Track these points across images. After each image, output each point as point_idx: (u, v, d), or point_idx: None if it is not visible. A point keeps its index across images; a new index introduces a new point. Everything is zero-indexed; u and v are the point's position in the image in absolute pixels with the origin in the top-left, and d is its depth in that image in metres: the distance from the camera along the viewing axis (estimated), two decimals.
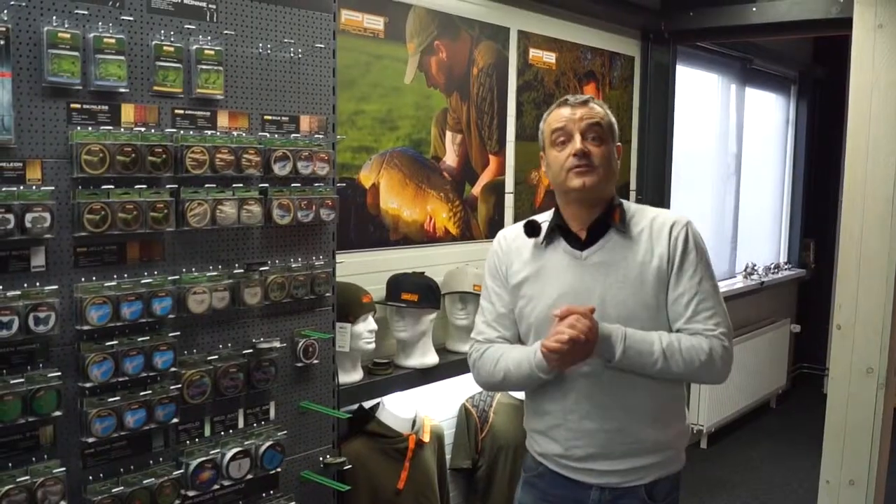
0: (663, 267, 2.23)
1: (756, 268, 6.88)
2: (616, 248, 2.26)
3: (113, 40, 2.20)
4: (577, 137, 2.25)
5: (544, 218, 2.36)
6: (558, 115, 2.31)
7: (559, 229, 2.32)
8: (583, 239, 2.29)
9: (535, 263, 2.33)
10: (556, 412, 2.31)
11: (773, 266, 7.23)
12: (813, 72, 7.52)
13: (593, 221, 2.28)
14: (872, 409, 3.85)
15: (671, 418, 2.33)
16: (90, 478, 2.27)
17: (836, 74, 6.96)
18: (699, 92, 6.16)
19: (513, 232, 2.41)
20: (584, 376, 2.24)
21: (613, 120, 2.32)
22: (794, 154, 7.70)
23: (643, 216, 2.31)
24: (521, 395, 3.83)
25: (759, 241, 7.35)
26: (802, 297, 7.88)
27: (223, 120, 2.49)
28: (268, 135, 2.59)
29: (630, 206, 2.35)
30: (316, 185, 2.71)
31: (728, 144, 6.68)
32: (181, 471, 2.42)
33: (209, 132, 2.44)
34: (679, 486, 2.41)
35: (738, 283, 6.65)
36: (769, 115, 7.38)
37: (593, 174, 2.24)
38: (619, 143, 2.33)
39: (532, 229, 2.33)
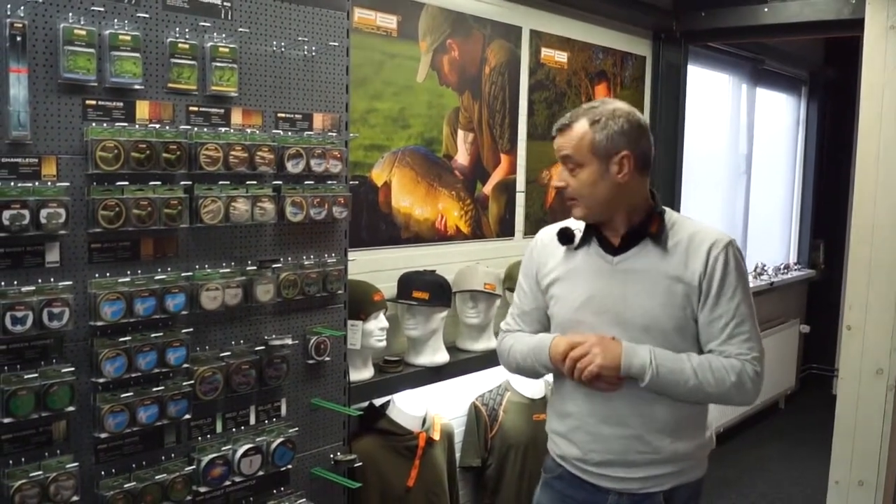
0: (694, 284, 2.20)
1: (766, 268, 6.87)
2: (649, 256, 2.24)
3: (128, 37, 2.21)
4: (558, 172, 2.28)
5: (578, 224, 2.35)
6: None
7: (593, 233, 2.31)
8: (616, 244, 2.28)
9: (567, 265, 2.34)
10: (577, 415, 2.33)
11: (782, 266, 7.21)
12: (824, 72, 7.50)
13: (629, 229, 2.26)
14: (882, 410, 3.85)
15: (692, 431, 2.31)
16: (102, 473, 2.28)
17: (847, 75, 6.93)
18: (710, 92, 6.15)
19: (551, 231, 2.41)
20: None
21: (607, 131, 2.17)
22: (804, 155, 7.68)
23: (683, 229, 2.26)
24: (530, 394, 3.85)
25: (769, 242, 7.34)
26: (812, 297, 7.86)
27: (237, 117, 2.49)
28: (281, 132, 2.60)
29: (673, 216, 2.30)
30: (329, 182, 2.72)
31: (739, 145, 6.67)
32: (193, 467, 2.44)
33: (223, 129, 2.45)
34: (700, 491, 2.40)
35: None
36: (780, 116, 7.36)
37: (578, 207, 2.26)
38: (624, 152, 2.18)
39: (565, 237, 2.34)
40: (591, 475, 2.33)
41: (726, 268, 2.20)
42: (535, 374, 2.44)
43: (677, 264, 2.21)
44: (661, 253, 2.23)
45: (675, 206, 5.36)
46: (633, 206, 2.26)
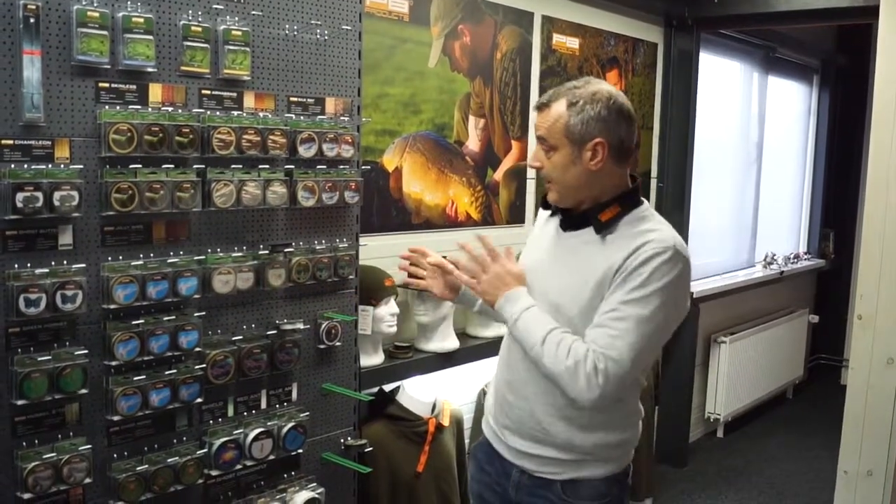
0: (609, 276, 2.09)
1: (775, 257, 6.84)
2: (586, 242, 2.19)
3: (141, 20, 2.20)
4: (534, 150, 2.25)
5: None
6: None
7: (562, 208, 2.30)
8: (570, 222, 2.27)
9: (538, 230, 2.41)
10: (497, 377, 2.39)
11: (792, 256, 7.19)
12: (836, 61, 7.46)
13: (581, 211, 2.22)
14: (892, 400, 3.84)
15: (595, 424, 2.19)
16: (115, 456, 2.28)
17: (859, 63, 6.89)
18: (721, 80, 6.12)
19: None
20: (519, 350, 2.22)
21: (584, 115, 2.10)
22: (814, 143, 7.64)
23: (635, 227, 2.15)
24: None
25: (779, 231, 7.31)
26: (821, 287, 7.83)
27: (250, 101, 2.48)
28: (293, 116, 2.59)
29: (644, 212, 2.20)
30: (341, 167, 2.71)
31: (749, 133, 6.63)
32: (204, 450, 2.44)
33: (236, 113, 2.44)
34: (611, 491, 2.26)
35: (758, 272, 6.61)
36: (791, 104, 7.32)
37: (553, 191, 2.22)
38: (598, 139, 2.11)
39: (546, 202, 2.33)
40: (497, 441, 2.37)
41: (643, 266, 2.05)
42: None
43: (606, 256, 2.12)
44: (598, 242, 2.16)
45: (686, 194, 5.35)
46: (605, 193, 2.18)
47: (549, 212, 2.37)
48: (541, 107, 2.19)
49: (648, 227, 2.15)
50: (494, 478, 2.38)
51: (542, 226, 2.41)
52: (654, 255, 2.05)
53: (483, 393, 3.90)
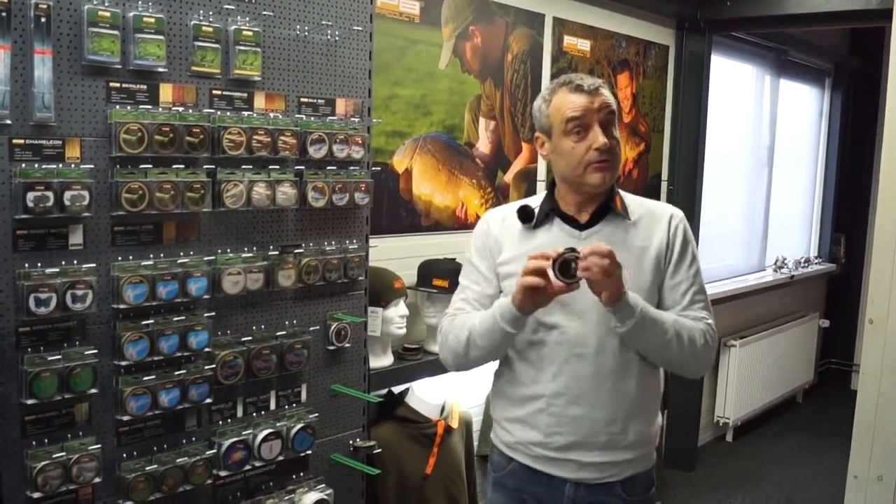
0: (661, 253, 2.25)
1: (786, 261, 6.82)
2: (617, 230, 2.25)
3: (152, 20, 2.20)
4: (599, 131, 2.17)
5: (535, 202, 2.33)
6: (573, 103, 2.18)
7: (554, 213, 2.29)
8: (582, 221, 2.26)
9: (526, 245, 2.26)
10: (543, 397, 2.24)
11: (803, 260, 7.15)
12: (848, 64, 7.42)
13: (598, 205, 2.27)
14: None
15: (654, 411, 2.34)
16: (124, 455, 2.28)
17: (872, 67, 6.87)
18: (733, 82, 6.10)
19: (501, 213, 2.37)
20: (576, 359, 2.19)
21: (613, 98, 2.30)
22: (826, 147, 7.61)
23: (639, 204, 2.33)
24: None
25: (790, 235, 7.28)
26: (832, 291, 7.80)
27: (260, 101, 2.48)
28: (304, 117, 2.58)
29: (625, 194, 2.35)
30: (351, 168, 2.71)
31: (761, 136, 6.61)
32: (213, 451, 2.44)
33: (246, 113, 2.44)
34: (654, 481, 2.41)
35: (768, 276, 6.59)
36: (803, 108, 7.29)
37: (613, 169, 2.22)
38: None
39: (525, 215, 2.29)
40: (548, 462, 2.26)
41: (685, 237, 2.29)
42: (492, 336, 2.19)
43: (644, 236, 2.26)
44: (628, 226, 2.26)
45: (697, 197, 5.34)
46: None
47: (521, 225, 2.29)
48: (599, 87, 2.23)
49: (649, 203, 2.37)
50: (541, 499, 2.32)
51: (519, 242, 2.29)
52: (685, 225, 2.33)
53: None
